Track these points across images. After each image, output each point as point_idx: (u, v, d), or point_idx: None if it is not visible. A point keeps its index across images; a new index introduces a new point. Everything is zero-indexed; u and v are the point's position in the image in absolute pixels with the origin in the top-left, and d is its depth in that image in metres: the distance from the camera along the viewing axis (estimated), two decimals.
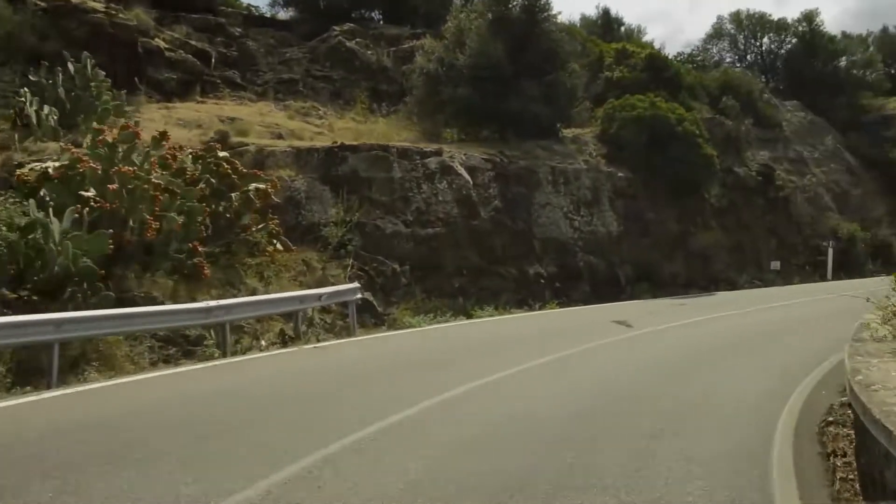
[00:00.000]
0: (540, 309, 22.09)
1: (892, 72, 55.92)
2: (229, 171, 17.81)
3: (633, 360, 12.78)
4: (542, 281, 23.72)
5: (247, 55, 32.68)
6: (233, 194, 17.52)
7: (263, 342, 15.29)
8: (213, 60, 29.91)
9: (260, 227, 18.01)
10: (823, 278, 33.87)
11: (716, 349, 14.01)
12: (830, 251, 34.44)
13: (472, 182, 22.95)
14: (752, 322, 18.81)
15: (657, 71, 36.36)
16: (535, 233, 24.76)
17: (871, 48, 55.65)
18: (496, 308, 20.95)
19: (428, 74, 29.11)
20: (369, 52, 34.41)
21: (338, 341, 15.53)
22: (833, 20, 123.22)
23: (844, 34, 54.98)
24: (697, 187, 30.14)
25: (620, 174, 28.23)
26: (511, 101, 27.27)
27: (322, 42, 34.12)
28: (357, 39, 34.77)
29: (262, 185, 18.02)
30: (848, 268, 34.95)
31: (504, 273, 22.82)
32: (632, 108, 29.86)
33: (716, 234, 30.86)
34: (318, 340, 15.75)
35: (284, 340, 15.12)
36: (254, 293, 16.45)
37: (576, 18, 53.83)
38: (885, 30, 60.80)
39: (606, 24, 49.74)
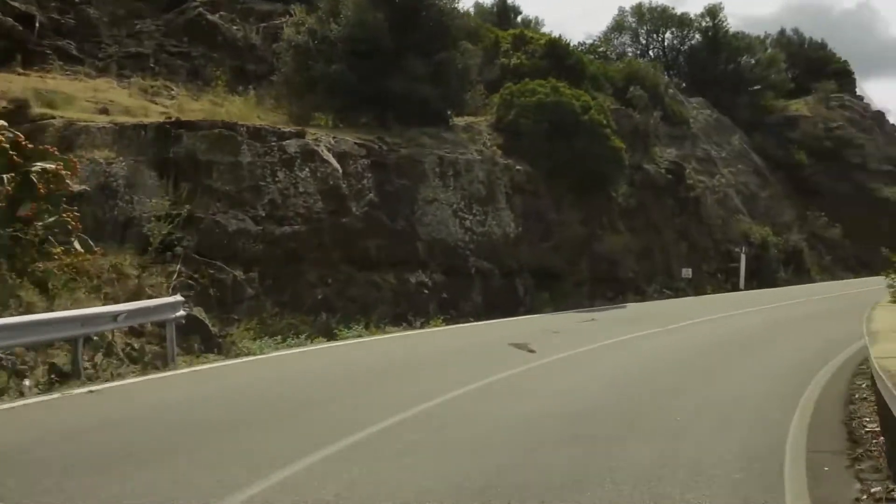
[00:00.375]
0: (422, 326, 18.29)
1: (790, 75, 54.63)
2: (5, 145, 13.27)
3: (537, 413, 8.97)
4: (426, 291, 19.94)
5: (87, 24, 27.69)
6: (5, 175, 13.04)
7: (28, 381, 10.89)
8: (37, 26, 24.93)
9: (49, 220, 13.55)
10: (736, 287, 31.26)
11: (647, 390, 10.34)
12: (743, 257, 31.85)
13: (341, 171, 18.98)
14: (681, 343, 15.49)
15: (558, 59, 33.10)
16: (419, 233, 20.97)
17: (769, 50, 54.24)
18: (367, 326, 17.02)
19: (297, 48, 25.00)
20: (235, 28, 29.85)
21: (136, 380, 11.24)
22: None
23: (743, 34, 53.46)
24: (604, 184, 26.93)
25: (519, 167, 24.70)
26: (394, 81, 23.42)
27: (180, 14, 29.38)
28: (221, 13, 30.15)
29: (51, 165, 13.57)
30: (760, 276, 32.49)
31: (379, 282, 18.91)
32: (532, 93, 26.41)
33: (624, 238, 27.72)
34: (113, 377, 11.46)
35: (52, 381, 10.73)
36: (30, 311, 12.04)
37: (469, 5, 50.43)
38: (782, 32, 59.88)
39: (503, 13, 46.52)
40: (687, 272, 29.19)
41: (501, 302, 22.07)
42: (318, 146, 18.86)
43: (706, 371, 11.98)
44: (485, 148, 24.60)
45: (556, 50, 33.88)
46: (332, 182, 18.62)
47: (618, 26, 50.33)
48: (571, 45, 38.32)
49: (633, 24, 50.47)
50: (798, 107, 48.51)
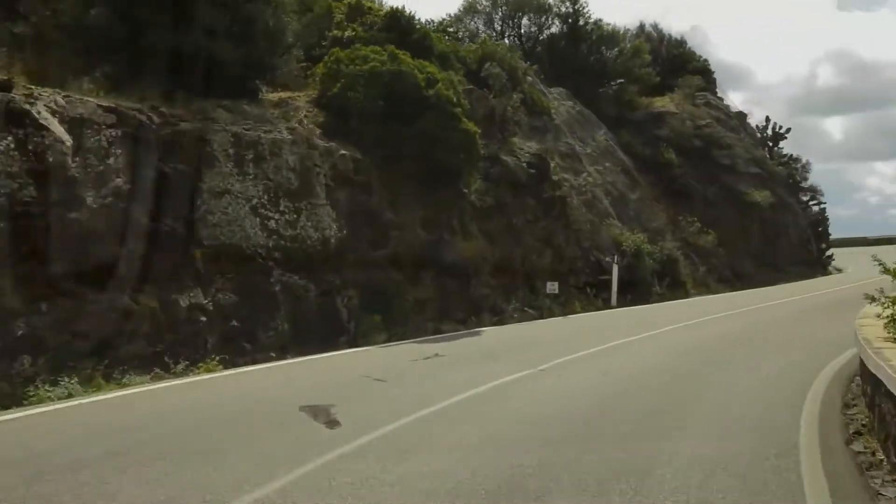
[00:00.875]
0: (187, 373, 12.82)
1: (653, 70, 51.94)
2: None
3: None
4: (203, 319, 14.44)
5: None
6: None
7: None
8: None
9: None
10: (608, 303, 27.11)
11: None
12: (615, 268, 27.71)
13: (70, 143, 13.13)
14: (565, 402, 10.54)
15: (401, 33, 28.16)
16: (201, 236, 15.50)
17: (628, 45, 51.36)
18: (91, 378, 11.31)
19: None
20: None
21: None
22: None
23: (605, 23, 50.24)
24: (454, 177, 22.18)
25: (344, 152, 19.53)
26: (179, 36, 17.75)
27: None
28: None
29: None
30: (634, 289, 28.58)
31: (129, 306, 13.23)
32: (364, 60, 21.26)
33: (478, 245, 23.00)
34: None
35: None
36: None
37: None
38: (642, 27, 57.39)
39: None
40: (553, 286, 24.73)
41: (317, 329, 16.95)
42: (32, 105, 12.96)
43: (603, 479, 7.08)
44: (300, 126, 19.22)
45: (399, 23, 28.93)
46: (52, 159, 12.77)
47: (470, 8, 45.95)
48: (417, 18, 33.66)
49: (488, 8, 46.22)
50: (664, 102, 45.56)
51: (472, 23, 45.94)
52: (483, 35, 42.44)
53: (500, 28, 46.67)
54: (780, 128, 56.50)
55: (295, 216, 17.70)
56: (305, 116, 20.19)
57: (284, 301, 16.55)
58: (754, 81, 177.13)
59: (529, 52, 45.47)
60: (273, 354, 15.29)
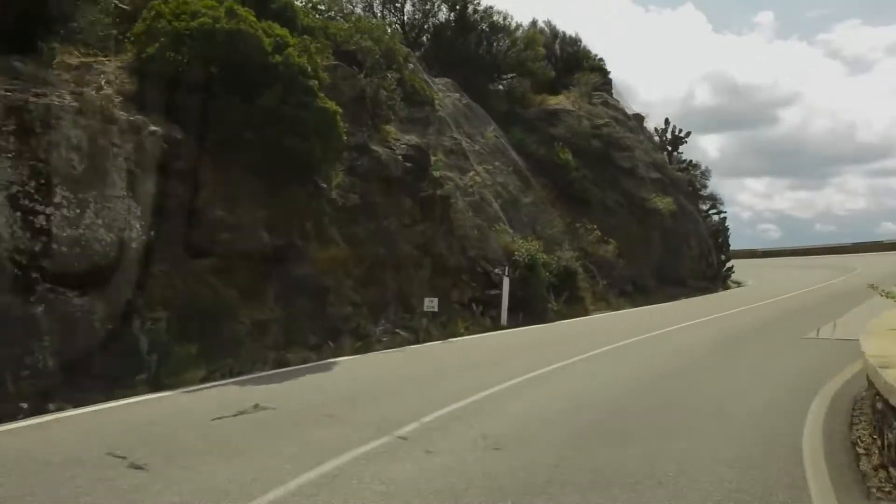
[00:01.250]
0: None
1: (542, 65, 48.95)
2: None
3: None
4: None
5: None
6: None
7: None
8: None
9: None
10: (496, 323, 23.34)
11: None
12: (506, 281, 23.95)
13: None
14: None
15: (257, 2, 23.83)
16: None
17: (521, 36, 48.20)
18: None
19: None
20: None
21: None
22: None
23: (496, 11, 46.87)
24: (310, 168, 17.91)
25: (156, 129, 15.05)
26: None
27: None
28: None
29: None
30: (527, 306, 24.93)
31: None
32: (192, 16, 16.93)
33: (339, 252, 18.91)
34: None
35: None
36: None
37: None
38: (534, 23, 54.29)
39: None
40: (431, 303, 20.73)
41: (104, 365, 12.52)
42: None
43: None
44: (94, 93, 14.67)
45: None
46: None
47: None
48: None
49: None
50: (559, 100, 42.39)
51: (349, 5, 41.75)
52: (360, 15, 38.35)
53: (380, 13, 42.69)
54: (680, 131, 54.14)
55: (78, 211, 13.16)
56: (108, 83, 15.67)
57: (51, 327, 12.03)
58: (637, 99, 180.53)
59: (413, 42, 41.73)
60: (25, 406, 10.83)
